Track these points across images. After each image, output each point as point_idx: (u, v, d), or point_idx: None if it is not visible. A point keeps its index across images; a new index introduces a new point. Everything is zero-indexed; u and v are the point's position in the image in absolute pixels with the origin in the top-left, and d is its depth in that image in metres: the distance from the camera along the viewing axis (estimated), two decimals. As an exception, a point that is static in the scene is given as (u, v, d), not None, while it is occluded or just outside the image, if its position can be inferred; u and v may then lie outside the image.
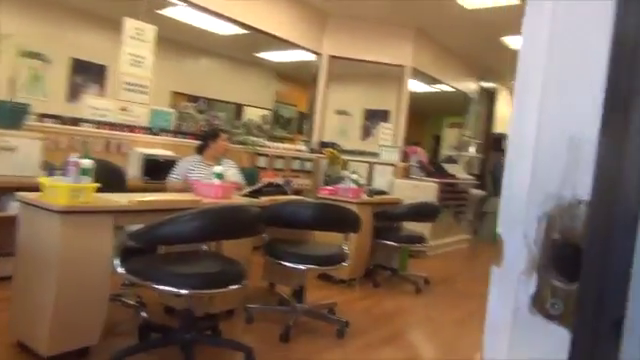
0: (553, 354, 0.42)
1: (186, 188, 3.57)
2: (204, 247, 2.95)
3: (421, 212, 4.72)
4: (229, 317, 3.23)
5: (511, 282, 0.47)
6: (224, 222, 2.56)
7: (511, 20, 6.16)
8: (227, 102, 8.68)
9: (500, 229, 0.49)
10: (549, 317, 0.44)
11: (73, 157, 2.47)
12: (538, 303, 0.46)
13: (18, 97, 3.51)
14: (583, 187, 0.43)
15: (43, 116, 3.96)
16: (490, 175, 9.16)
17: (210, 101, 8.25)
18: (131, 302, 3.10)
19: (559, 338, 0.43)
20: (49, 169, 3.36)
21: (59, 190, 2.35)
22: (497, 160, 9.40)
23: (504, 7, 5.70)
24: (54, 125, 3.98)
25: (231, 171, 3.80)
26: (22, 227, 2.50)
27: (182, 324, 2.64)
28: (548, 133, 0.45)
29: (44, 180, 2.45)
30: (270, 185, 3.99)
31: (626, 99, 0.39)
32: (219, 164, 3.62)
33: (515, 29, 6.55)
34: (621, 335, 0.38)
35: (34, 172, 3.28)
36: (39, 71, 5.74)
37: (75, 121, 4.17)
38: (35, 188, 2.52)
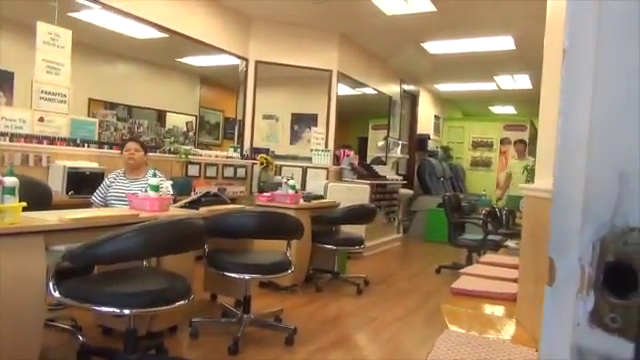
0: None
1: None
2: (144, 263, 2.82)
3: (358, 215, 4.82)
4: (173, 333, 3.11)
5: (568, 300, 0.52)
6: (169, 237, 2.46)
7: (428, 26, 6.51)
8: (148, 108, 8.34)
9: (552, 254, 0.55)
10: (608, 330, 0.50)
11: (-5, 175, 2.26)
12: (597, 318, 0.51)
13: None
14: (634, 216, 0.49)
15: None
16: (417, 174, 9.56)
17: (130, 108, 7.89)
18: (66, 326, 2.89)
19: (617, 347, 0.47)
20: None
21: (-19, 212, 2.14)
22: (422, 160, 9.83)
23: (421, 14, 5.98)
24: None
25: (164, 184, 3.62)
26: (-61, 255, 2.24)
27: (126, 345, 2.50)
28: (599, 166, 0.50)
29: (-37, 202, 2.23)
30: (208, 194, 3.88)
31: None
32: (143, 177, 3.53)
33: (432, 35, 6.94)
34: None
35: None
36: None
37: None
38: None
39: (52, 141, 4.22)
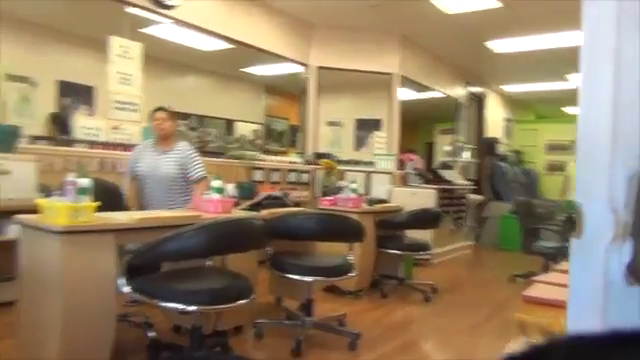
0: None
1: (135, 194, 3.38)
2: (209, 263, 2.87)
3: (423, 219, 4.67)
4: (238, 333, 3.13)
5: (599, 253, 0.41)
6: (227, 236, 2.48)
7: (493, 24, 6.23)
8: (218, 118, 8.62)
9: (579, 198, 0.43)
10: None
11: (70, 177, 2.39)
12: (637, 272, 0.40)
13: (10, 122, 3.42)
14: None
15: (35, 138, 3.87)
16: (488, 180, 9.17)
17: (202, 118, 8.20)
18: (139, 321, 3.00)
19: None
20: (45, 191, 3.27)
21: (58, 210, 2.27)
22: (492, 164, 9.42)
23: (485, 11, 5.73)
24: (47, 147, 3.89)
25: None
26: (23, 250, 2.41)
27: (191, 342, 2.55)
28: (628, 93, 0.40)
29: (42, 202, 2.38)
30: (269, 197, 3.92)
31: None
32: (172, 150, 3.41)
33: (497, 33, 6.64)
34: None
35: (30, 194, 3.18)
36: (27, 94, 5.64)
37: (68, 142, 4.09)
38: (32, 210, 2.44)
39: (125, 148, 4.43)
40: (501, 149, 9.93)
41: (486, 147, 9.54)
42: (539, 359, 0.37)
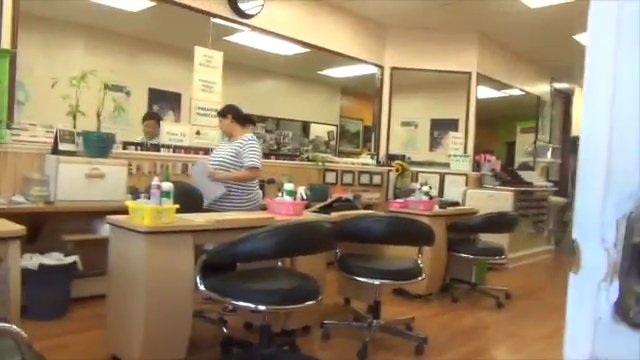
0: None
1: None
2: (279, 264, 3.01)
3: (497, 222, 4.53)
4: (306, 333, 3.24)
5: (591, 290, 0.44)
6: (298, 238, 2.59)
7: (582, 16, 5.84)
8: (294, 120, 8.85)
9: (575, 234, 0.47)
10: (634, 326, 0.41)
11: (155, 181, 2.62)
12: (622, 311, 0.42)
13: (104, 128, 3.78)
14: None
15: (127, 144, 4.23)
16: (572, 181, 8.65)
17: (278, 120, 8.46)
18: (213, 318, 3.21)
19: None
20: (134, 193, 3.58)
21: (144, 212, 2.49)
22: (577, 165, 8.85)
23: (572, 3, 5.40)
24: (136, 152, 4.25)
25: (299, 190, 3.66)
26: (112, 247, 2.67)
27: (261, 340, 2.68)
28: (623, 129, 0.42)
29: (130, 204, 2.62)
30: (339, 200, 4.00)
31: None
32: (237, 139, 3.69)
33: (587, 25, 6.20)
34: None
35: (122, 196, 3.51)
36: (121, 102, 6.15)
37: (156, 147, 4.43)
38: (123, 211, 2.69)
39: (207, 152, 4.72)
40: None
41: (571, 146, 9.00)
42: None
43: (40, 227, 3.41)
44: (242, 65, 7.20)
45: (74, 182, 3.46)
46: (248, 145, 3.63)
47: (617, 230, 0.42)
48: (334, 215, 3.55)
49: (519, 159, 8.70)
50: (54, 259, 3.25)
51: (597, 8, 0.48)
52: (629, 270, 0.42)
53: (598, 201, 0.44)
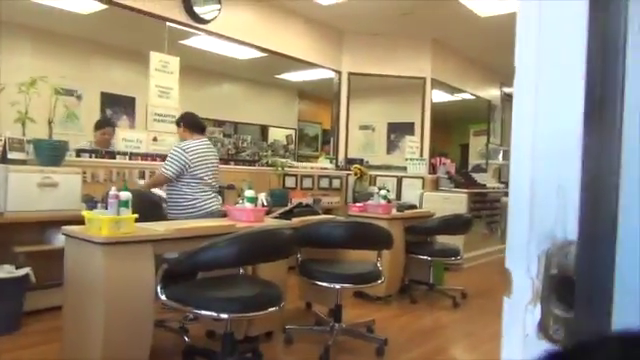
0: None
1: None
2: (241, 271, 3.01)
3: (453, 225, 4.69)
4: (269, 339, 3.25)
5: (520, 311, 0.54)
6: (260, 246, 2.61)
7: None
8: (252, 124, 8.82)
9: (507, 264, 0.56)
10: (553, 341, 0.51)
11: (113, 190, 2.57)
12: (543, 329, 0.51)
13: (56, 134, 3.66)
14: (572, 229, 0.50)
15: (80, 151, 4.12)
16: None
17: (236, 124, 8.42)
18: (174, 327, 3.17)
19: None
20: (90, 202, 3.49)
21: (102, 222, 2.44)
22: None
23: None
24: (91, 159, 4.14)
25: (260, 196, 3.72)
26: (68, 259, 2.60)
27: (224, 348, 2.68)
28: (540, 181, 0.52)
29: (87, 214, 2.56)
30: (300, 205, 4.03)
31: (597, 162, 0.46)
32: None
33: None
34: None
35: (76, 205, 3.42)
36: (73, 107, 5.97)
37: (111, 154, 4.33)
38: (78, 221, 2.63)
39: (164, 158, 4.64)
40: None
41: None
42: (586, 357, 0.38)
43: (-12, 239, 3.27)
44: (199, 69, 7.14)
45: (25, 192, 3.34)
46: (170, 152, 3.64)
47: (539, 263, 0.51)
48: (295, 221, 3.58)
49: (472, 161, 9.01)
50: (5, 272, 3.12)
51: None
52: (549, 296, 0.52)
53: (524, 239, 0.53)
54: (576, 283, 0.47)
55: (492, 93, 8.71)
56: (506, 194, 7.46)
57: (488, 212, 6.72)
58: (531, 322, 0.53)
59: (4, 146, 3.42)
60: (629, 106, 0.44)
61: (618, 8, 0.45)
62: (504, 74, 8.69)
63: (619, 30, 0.44)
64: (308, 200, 5.16)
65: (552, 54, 0.53)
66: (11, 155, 3.41)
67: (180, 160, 3.53)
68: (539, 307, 0.52)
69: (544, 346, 0.51)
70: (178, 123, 3.87)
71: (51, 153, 3.52)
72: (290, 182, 5.76)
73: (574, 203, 0.49)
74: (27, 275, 3.19)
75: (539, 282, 0.52)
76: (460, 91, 7.95)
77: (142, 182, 3.89)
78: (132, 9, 4.61)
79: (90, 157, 4.16)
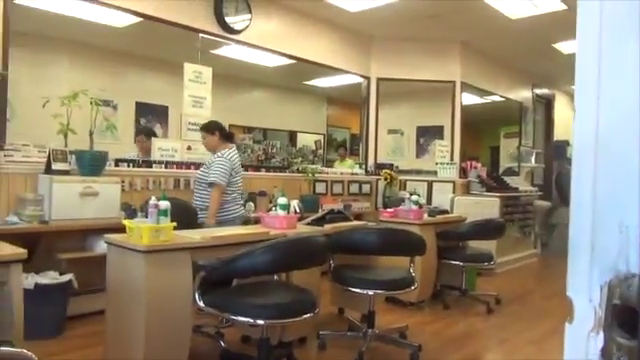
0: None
1: None
2: (275, 277, 3.06)
3: (486, 230, 4.64)
4: (302, 344, 3.30)
5: (582, 338, 0.56)
6: (294, 254, 2.65)
7: (560, 26, 6.04)
8: (281, 130, 8.91)
9: (569, 293, 0.58)
10: None
11: (153, 200, 2.66)
12: (607, 356, 0.53)
13: (95, 144, 3.80)
14: (635, 263, 0.52)
15: (119, 160, 4.26)
16: (555, 184, 8.84)
17: (265, 131, 8.52)
18: (211, 332, 3.24)
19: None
20: (128, 210, 3.61)
21: (142, 231, 2.53)
22: (561, 168, 9.06)
23: (551, 14, 5.60)
24: (129, 169, 4.27)
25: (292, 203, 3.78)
26: (111, 266, 2.70)
27: (259, 353, 2.73)
28: (602, 214, 0.54)
29: (128, 223, 2.65)
30: (332, 212, 4.07)
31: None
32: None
33: (566, 34, 6.41)
34: None
35: (116, 213, 3.54)
36: (109, 117, 6.16)
37: (148, 163, 4.46)
38: (118, 228, 2.73)
39: (198, 166, 4.75)
40: (571, 152, 9.53)
41: (554, 151, 9.20)
42: None
43: (35, 246, 3.41)
44: (229, 77, 7.25)
45: (68, 201, 3.48)
46: (216, 161, 3.82)
47: (601, 293, 0.54)
48: (327, 227, 3.61)
49: (503, 164, 8.86)
50: (50, 278, 3.26)
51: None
52: (611, 325, 0.54)
53: (586, 270, 0.56)
54: (639, 313, 0.49)
55: (523, 95, 8.57)
56: (539, 197, 7.32)
57: (521, 216, 6.61)
58: (594, 348, 0.55)
59: (49, 157, 3.57)
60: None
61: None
62: (535, 75, 8.54)
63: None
64: (339, 206, 5.19)
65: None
66: (55, 166, 3.56)
67: (228, 169, 3.80)
68: (602, 335, 0.54)
69: None
70: (212, 131, 3.99)
71: (92, 163, 3.66)
72: (320, 188, 5.81)
73: (636, 239, 0.51)
74: (70, 281, 3.32)
75: (601, 311, 0.54)
76: (490, 93, 7.86)
77: (207, 219, 3.70)
78: (166, 22, 4.74)
79: (128, 166, 4.29)
